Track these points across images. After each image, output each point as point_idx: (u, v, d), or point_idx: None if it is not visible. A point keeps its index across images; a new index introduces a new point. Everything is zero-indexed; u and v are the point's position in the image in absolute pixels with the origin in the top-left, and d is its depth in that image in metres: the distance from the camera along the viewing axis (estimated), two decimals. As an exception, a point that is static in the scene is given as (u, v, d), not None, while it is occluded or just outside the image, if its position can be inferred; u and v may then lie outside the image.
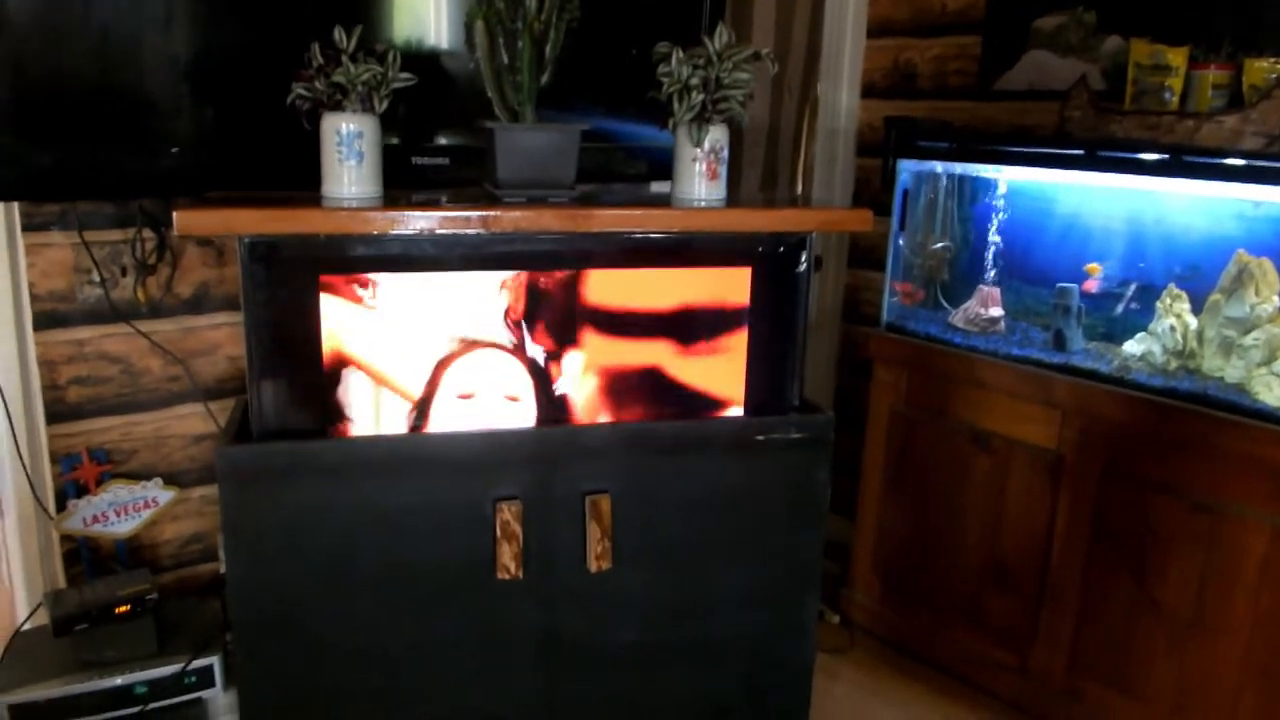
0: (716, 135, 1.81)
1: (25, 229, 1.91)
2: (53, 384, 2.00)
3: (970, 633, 2.58)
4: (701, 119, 1.77)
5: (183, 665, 1.78)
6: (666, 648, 1.89)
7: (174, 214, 1.51)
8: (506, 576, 1.74)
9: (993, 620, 2.53)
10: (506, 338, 1.74)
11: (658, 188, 2.66)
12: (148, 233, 2.01)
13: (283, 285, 1.62)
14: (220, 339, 2.15)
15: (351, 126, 1.64)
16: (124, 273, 2.02)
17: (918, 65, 2.93)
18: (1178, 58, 2.23)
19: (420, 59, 2.00)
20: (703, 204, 1.83)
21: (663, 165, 2.27)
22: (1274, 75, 2.14)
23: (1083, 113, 2.32)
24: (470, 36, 1.71)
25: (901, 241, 2.69)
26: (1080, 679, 2.37)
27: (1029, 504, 2.42)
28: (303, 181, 1.98)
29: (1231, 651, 2.12)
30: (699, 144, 1.80)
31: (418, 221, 1.62)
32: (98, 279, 1.99)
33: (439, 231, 1.64)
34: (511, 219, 1.66)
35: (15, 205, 1.89)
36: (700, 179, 1.84)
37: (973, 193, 2.62)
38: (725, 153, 1.84)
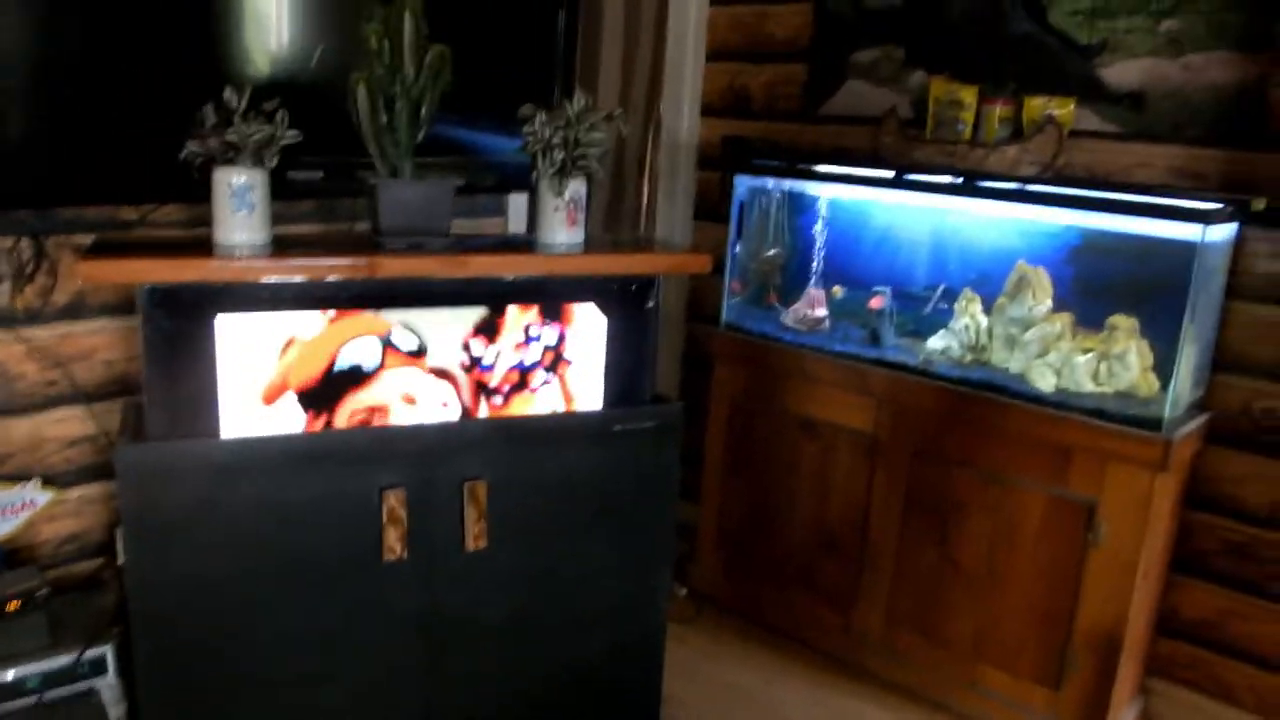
0: (576, 187, 2.04)
1: (-102, 238, 1.95)
2: (-74, 390, 2.03)
3: (802, 598, 2.90)
4: (562, 173, 1.99)
5: (76, 656, 1.86)
6: (536, 618, 2.10)
7: (80, 264, 1.64)
8: (392, 558, 1.91)
9: (821, 586, 2.85)
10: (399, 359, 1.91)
11: (515, 201, 2.86)
12: (26, 242, 2.07)
13: (180, 324, 1.75)
14: (97, 344, 2.22)
15: (242, 180, 1.78)
16: (0, 280, 2.07)
17: (751, 89, 3.23)
18: (969, 95, 2.59)
19: (290, 84, 2.13)
20: (563, 249, 2.05)
21: (512, 177, 2.51)
22: (1047, 112, 2.52)
23: (892, 139, 2.66)
24: (353, 99, 1.85)
25: (738, 249, 2.97)
26: (894, 632, 2.72)
27: (851, 482, 2.75)
28: (167, 194, 2.16)
29: (1016, 601, 2.50)
30: (560, 194, 2.02)
31: (308, 269, 1.79)
32: (-26, 287, 2.03)
33: (329, 279, 1.82)
34: (394, 265, 1.85)
35: (-113, 215, 1.93)
36: (561, 226, 2.06)
37: (800, 206, 2.94)
38: (584, 201, 2.07)
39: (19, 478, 2.15)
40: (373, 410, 1.91)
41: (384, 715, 2.02)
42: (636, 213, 3.37)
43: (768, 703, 2.65)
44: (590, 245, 2.10)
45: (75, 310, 2.18)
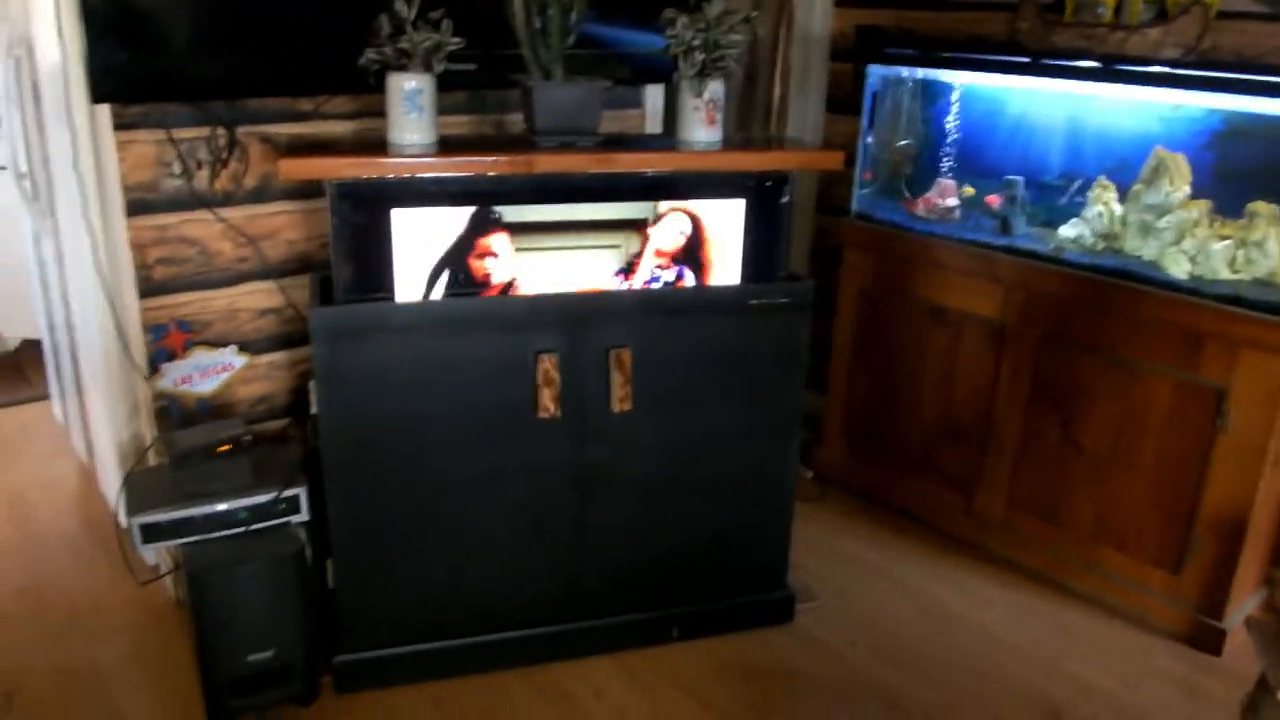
0: (714, 88, 2.14)
1: (115, 128, 2.19)
2: (142, 264, 2.31)
3: (925, 481, 3.01)
4: (702, 75, 2.09)
5: (275, 494, 2.14)
6: (675, 477, 2.28)
7: (280, 162, 1.87)
8: (546, 416, 2.11)
9: (945, 469, 2.95)
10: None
11: (652, 93, 2.96)
12: (221, 131, 2.30)
13: (361, 214, 1.97)
14: (280, 225, 2.46)
15: (414, 84, 1.96)
16: (199, 166, 2.31)
17: (887, -23, 3.23)
18: (1112, -25, 2.55)
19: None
20: (703, 146, 2.17)
21: (644, 69, 2.67)
22: (1194, -8, 2.47)
23: (1030, 24, 2.65)
24: (509, 5, 1.99)
25: (870, 140, 3.02)
26: (1016, 514, 2.81)
27: (977, 368, 2.82)
28: (337, 87, 2.37)
29: (1139, 485, 2.55)
30: (699, 95, 2.13)
31: (473, 165, 1.97)
32: (179, 171, 2.28)
33: (490, 174, 1.99)
34: (549, 162, 2.02)
35: (107, 107, 2.17)
36: (701, 125, 2.18)
37: (933, 95, 2.95)
38: (722, 100, 2.17)
39: (218, 343, 2.42)
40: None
41: (539, 555, 2.25)
42: (768, 106, 3.44)
43: (891, 575, 2.79)
44: (727, 143, 2.22)
45: (261, 194, 2.42)
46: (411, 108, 1.98)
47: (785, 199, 2.22)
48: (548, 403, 2.10)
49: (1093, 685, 2.36)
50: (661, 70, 2.83)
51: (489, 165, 1.98)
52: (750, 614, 2.48)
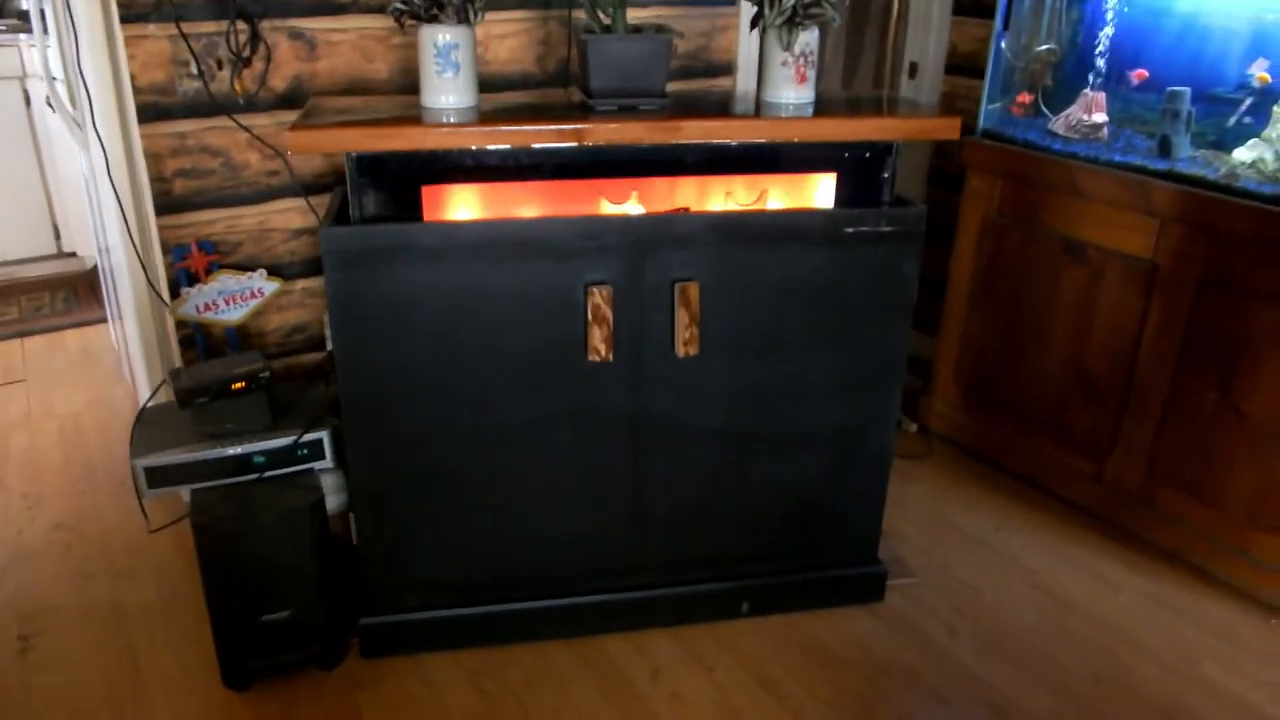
0: (806, 39, 1.77)
1: (123, 20, 1.94)
2: (159, 176, 2.07)
3: (1049, 442, 2.61)
4: (792, 23, 1.71)
5: (295, 438, 1.90)
6: (751, 433, 1.96)
7: (289, 134, 1.60)
8: (597, 359, 1.80)
9: (1073, 430, 2.55)
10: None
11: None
12: (241, 25, 2.03)
13: (385, 191, 1.70)
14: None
15: (448, 38, 1.65)
16: (220, 65, 2.05)
17: None
18: None
19: None
20: (791, 109, 1.81)
21: None
22: None
23: (1211, -105, 2.16)
24: None
25: (1004, 44, 2.57)
26: (1155, 486, 2.40)
27: (1119, 314, 2.39)
28: None
29: (1317, 460, 2.12)
30: (788, 48, 1.77)
31: (514, 137, 1.66)
32: (196, 71, 2.03)
33: (534, 146, 1.69)
34: (604, 132, 1.69)
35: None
36: (788, 83, 1.82)
37: (1083, -10, 2.49)
38: (815, 55, 1.80)
39: (248, 267, 2.19)
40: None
41: (589, 514, 1.97)
42: (886, 8, 3.01)
43: (1003, 550, 2.42)
44: (821, 105, 1.86)
45: (290, 99, 2.14)
46: (446, 65, 1.68)
47: (886, 174, 1.86)
48: (598, 344, 1.79)
49: (1231, 693, 1.97)
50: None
51: (531, 136, 1.67)
52: (833, 590, 2.16)
